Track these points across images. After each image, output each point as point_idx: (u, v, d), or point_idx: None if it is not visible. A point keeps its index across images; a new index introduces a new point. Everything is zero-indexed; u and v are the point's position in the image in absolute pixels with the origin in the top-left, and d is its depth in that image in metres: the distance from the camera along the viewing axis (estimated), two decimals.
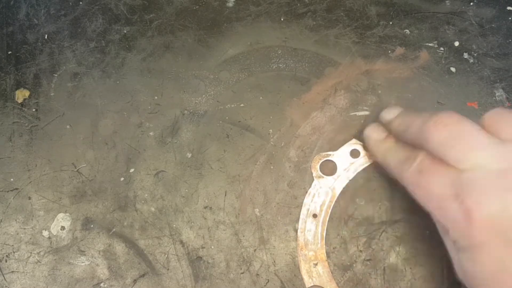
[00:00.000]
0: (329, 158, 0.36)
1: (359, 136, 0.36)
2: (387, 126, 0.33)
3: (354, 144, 0.36)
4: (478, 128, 0.26)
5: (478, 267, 0.24)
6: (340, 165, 0.36)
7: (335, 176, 0.36)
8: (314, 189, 0.35)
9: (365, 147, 0.35)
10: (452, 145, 0.26)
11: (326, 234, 0.35)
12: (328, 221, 0.35)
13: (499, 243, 0.23)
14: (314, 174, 0.36)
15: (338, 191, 0.35)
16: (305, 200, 0.35)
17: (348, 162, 0.36)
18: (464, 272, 0.26)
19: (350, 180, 0.35)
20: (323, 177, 0.36)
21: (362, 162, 0.36)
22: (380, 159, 0.33)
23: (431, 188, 0.26)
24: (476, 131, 0.26)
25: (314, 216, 0.35)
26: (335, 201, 0.35)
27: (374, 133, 0.34)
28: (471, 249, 0.25)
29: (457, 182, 0.25)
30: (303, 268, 0.34)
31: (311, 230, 0.35)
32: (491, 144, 0.25)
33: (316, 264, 0.34)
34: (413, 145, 0.29)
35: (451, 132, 0.26)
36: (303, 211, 0.35)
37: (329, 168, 0.36)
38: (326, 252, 0.34)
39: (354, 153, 0.36)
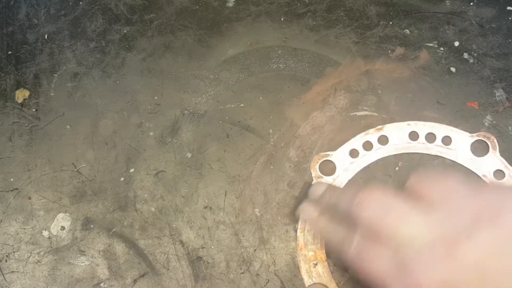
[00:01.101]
0: (328, 158, 0.36)
1: (293, 217, 0.35)
2: (317, 204, 0.32)
3: (353, 144, 0.36)
4: (400, 201, 0.26)
5: None
6: (340, 165, 0.36)
7: (334, 176, 0.35)
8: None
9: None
10: (380, 225, 0.26)
11: None
12: None
13: None
14: (313, 174, 0.36)
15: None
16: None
17: (348, 162, 0.36)
18: None
19: (349, 180, 0.35)
20: (322, 177, 0.36)
21: (362, 162, 0.36)
22: (321, 237, 0.33)
23: (373, 271, 0.26)
24: (399, 205, 0.26)
25: None
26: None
27: (305, 212, 0.32)
28: None
29: (395, 261, 0.25)
30: (303, 268, 0.34)
31: (311, 230, 0.35)
32: (417, 216, 0.25)
33: (316, 264, 0.34)
34: (346, 220, 0.29)
35: (376, 212, 0.26)
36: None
37: (328, 168, 0.36)
38: (326, 252, 0.34)
39: (353, 153, 0.36)
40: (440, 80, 0.37)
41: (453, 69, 0.38)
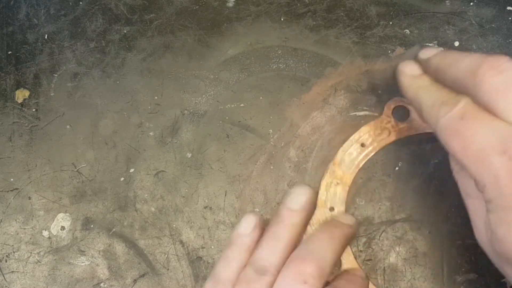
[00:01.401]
0: (408, 106, 0.35)
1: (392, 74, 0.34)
2: (424, 65, 0.30)
3: None
4: None
5: None
6: (413, 117, 0.35)
7: (403, 123, 0.35)
8: (376, 124, 0.35)
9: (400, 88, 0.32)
10: (507, 94, 0.23)
11: None
12: None
13: None
14: (384, 111, 0.35)
15: (396, 137, 0.35)
16: (362, 128, 0.35)
17: (421, 120, 0.35)
18: (493, 236, 0.23)
19: (410, 136, 0.35)
20: (391, 118, 0.35)
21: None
22: (412, 98, 0.29)
23: (474, 138, 0.23)
24: None
25: (362, 145, 0.35)
26: (389, 144, 0.35)
27: (408, 67, 0.30)
28: (510, 209, 0.22)
29: (507, 135, 0.22)
30: (325, 180, 0.35)
31: (352, 155, 0.35)
32: None
33: (338, 184, 0.34)
34: (452, 87, 0.26)
35: (507, 79, 0.23)
36: (355, 135, 0.35)
37: (401, 114, 0.36)
38: (353, 181, 0.34)
39: None
40: None
41: None
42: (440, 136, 0.26)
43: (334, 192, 0.35)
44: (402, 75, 0.31)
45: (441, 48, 0.30)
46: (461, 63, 0.26)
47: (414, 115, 0.35)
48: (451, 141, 0.25)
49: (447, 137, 0.25)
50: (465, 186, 0.26)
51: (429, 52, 0.30)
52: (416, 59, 0.31)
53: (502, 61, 0.24)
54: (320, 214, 0.34)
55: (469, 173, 0.24)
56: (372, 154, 0.35)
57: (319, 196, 0.35)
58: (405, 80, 0.30)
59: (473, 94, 0.24)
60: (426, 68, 0.30)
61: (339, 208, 0.34)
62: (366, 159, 0.35)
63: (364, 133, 0.36)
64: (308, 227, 0.34)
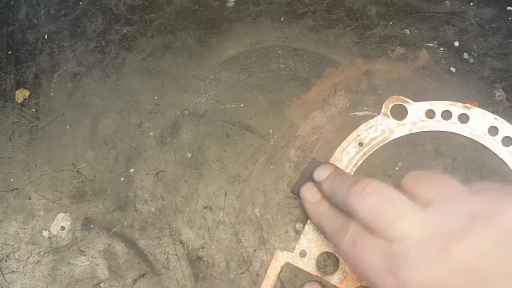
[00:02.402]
0: (406, 104, 0.36)
1: (296, 190, 0.35)
2: (319, 188, 0.32)
3: (435, 105, 0.36)
4: (398, 195, 0.26)
5: None
6: (412, 116, 0.36)
7: (401, 122, 0.36)
8: (374, 123, 0.36)
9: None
10: (377, 217, 0.26)
11: None
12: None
13: None
14: (382, 110, 0.36)
15: (394, 136, 0.35)
16: (360, 126, 0.36)
17: (419, 118, 0.36)
18: None
19: (410, 134, 0.35)
20: (389, 117, 0.36)
21: (432, 125, 0.35)
22: (316, 225, 0.32)
23: (366, 262, 0.26)
24: (397, 199, 0.26)
25: (360, 144, 0.35)
26: (386, 143, 0.35)
27: (308, 194, 0.33)
28: None
29: (388, 255, 0.25)
30: None
31: (349, 154, 0.35)
32: (414, 211, 0.25)
33: None
34: (343, 210, 0.29)
35: (373, 203, 0.26)
36: (353, 134, 0.36)
37: (399, 113, 0.36)
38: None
39: (429, 114, 0.36)
40: (440, 80, 0.37)
41: (453, 69, 0.38)
42: (343, 259, 0.29)
43: None
44: (304, 202, 0.33)
45: (332, 168, 0.32)
46: (339, 192, 0.29)
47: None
48: (351, 264, 0.27)
49: (347, 261, 0.28)
50: None
51: (320, 175, 0.32)
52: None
53: (363, 187, 0.27)
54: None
55: None
56: (370, 153, 0.35)
57: None
58: (308, 208, 0.33)
59: (355, 218, 0.27)
60: (321, 191, 0.32)
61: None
62: (364, 158, 0.35)
63: (362, 132, 0.36)
64: (306, 226, 0.34)
